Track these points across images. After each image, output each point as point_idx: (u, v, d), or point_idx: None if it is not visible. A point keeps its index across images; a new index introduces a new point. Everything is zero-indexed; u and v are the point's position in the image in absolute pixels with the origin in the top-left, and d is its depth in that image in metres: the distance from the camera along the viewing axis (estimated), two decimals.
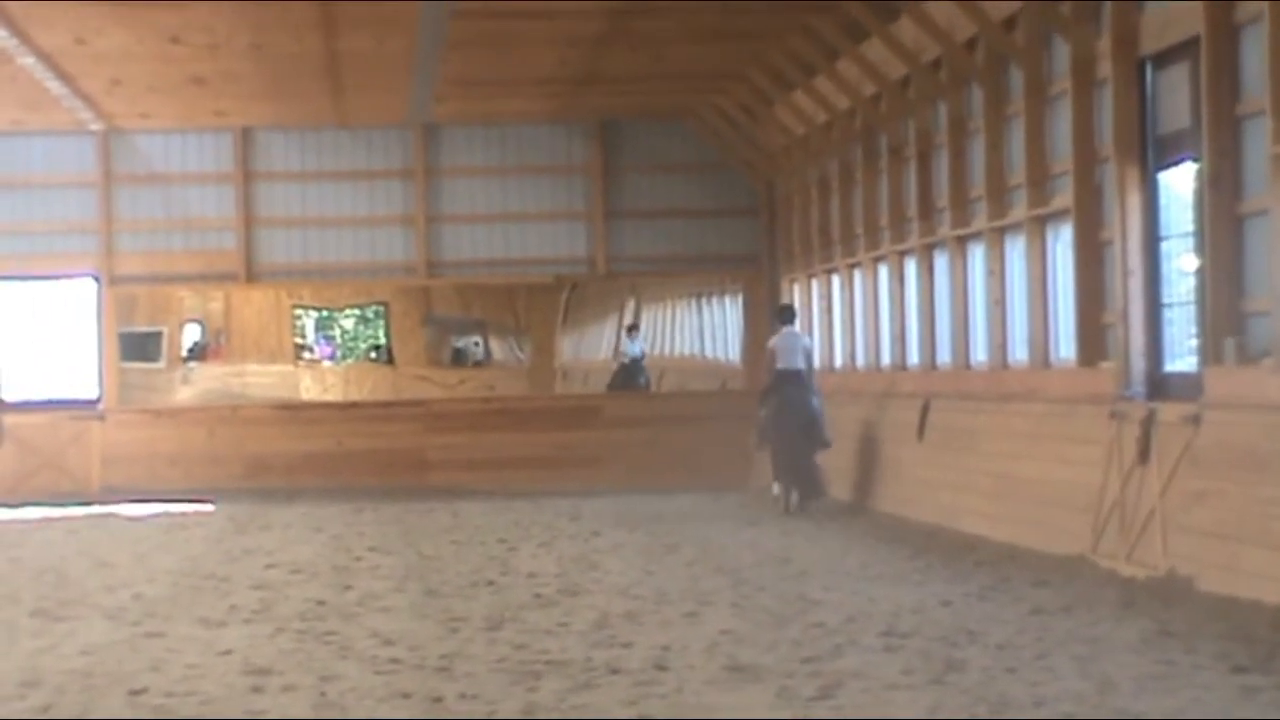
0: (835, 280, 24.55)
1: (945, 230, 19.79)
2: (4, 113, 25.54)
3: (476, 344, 46.99)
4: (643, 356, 33.85)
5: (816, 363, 24.67)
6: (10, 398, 27.20)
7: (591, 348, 45.21)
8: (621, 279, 31.58)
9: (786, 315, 22.79)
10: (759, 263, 27.77)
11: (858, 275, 23.45)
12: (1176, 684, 9.34)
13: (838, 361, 24.51)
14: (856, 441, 22.27)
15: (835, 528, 19.29)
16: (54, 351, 27.85)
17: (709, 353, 34.14)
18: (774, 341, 22.26)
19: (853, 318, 23.74)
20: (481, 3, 18.94)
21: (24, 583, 15.58)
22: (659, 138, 27.71)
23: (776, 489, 22.02)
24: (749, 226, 27.84)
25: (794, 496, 21.58)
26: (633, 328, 35.32)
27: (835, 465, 22.73)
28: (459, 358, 46.01)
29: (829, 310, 24.91)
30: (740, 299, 29.39)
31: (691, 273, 29.85)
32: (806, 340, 22.77)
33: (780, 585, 14.15)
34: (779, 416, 21.70)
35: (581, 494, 25.13)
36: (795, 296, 26.29)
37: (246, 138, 27.34)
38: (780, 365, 21.88)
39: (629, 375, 32.99)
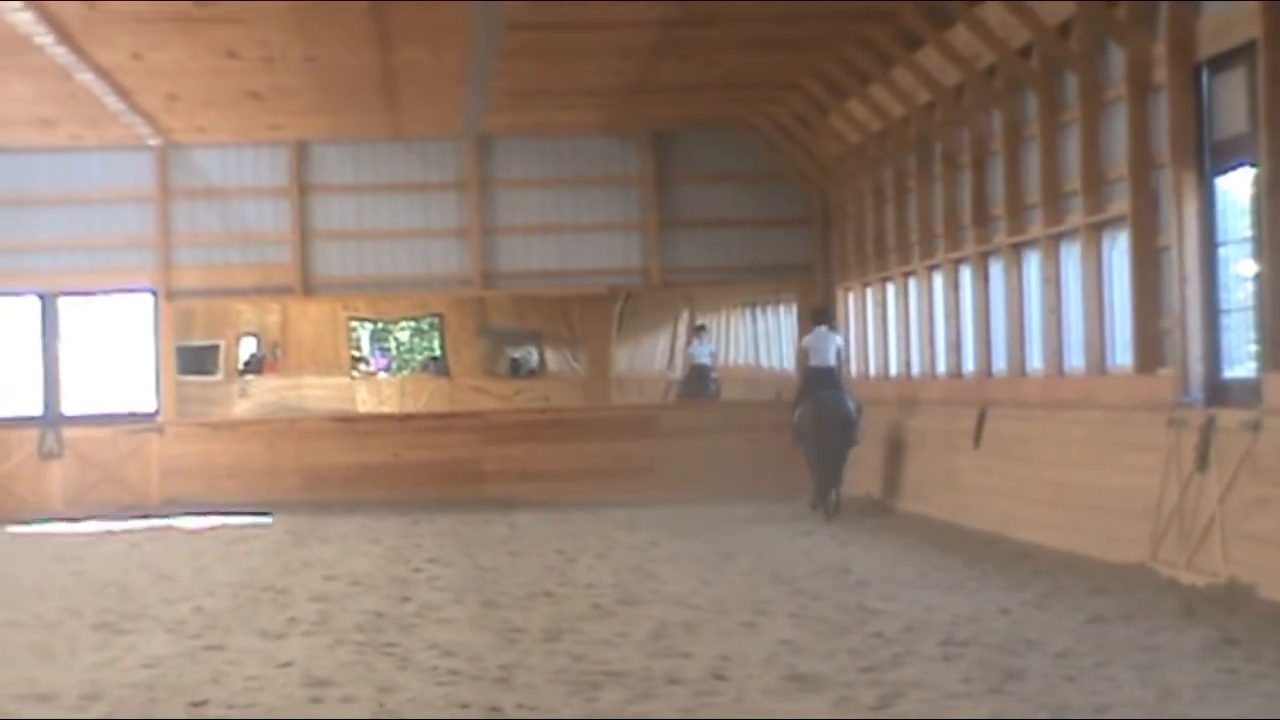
0: (890, 289, 24.50)
1: (1001, 238, 19.72)
2: (63, 129, 25.68)
3: (531, 354, 47.04)
4: (713, 362, 33.33)
5: (872, 369, 24.72)
6: (71, 411, 27.34)
7: (646, 358, 45.27)
8: (676, 289, 31.54)
9: (820, 314, 23.29)
10: (813, 272, 27.72)
11: (912, 284, 23.40)
12: (1238, 692, 9.28)
13: (893, 369, 24.45)
14: (912, 449, 22.23)
15: (891, 536, 19.23)
16: (113, 365, 27.96)
17: (763, 362, 34.11)
18: (807, 340, 22.90)
19: (907, 326, 23.68)
20: (535, 3, 18.91)
21: (86, 596, 15.65)
22: (712, 147, 27.69)
23: (814, 493, 22.40)
24: (803, 236, 27.80)
25: (834, 498, 21.85)
26: (700, 329, 34.86)
27: (893, 473, 22.70)
28: (516, 368, 46.07)
29: (883, 319, 24.85)
30: (794, 308, 29.32)
31: (745, 282, 29.83)
32: (839, 339, 23.13)
33: (838, 594, 14.11)
34: (814, 418, 22.01)
35: (638, 504, 25.10)
36: (849, 305, 26.25)
37: (301, 151, 27.42)
38: (813, 363, 22.42)
39: (698, 383, 32.44)
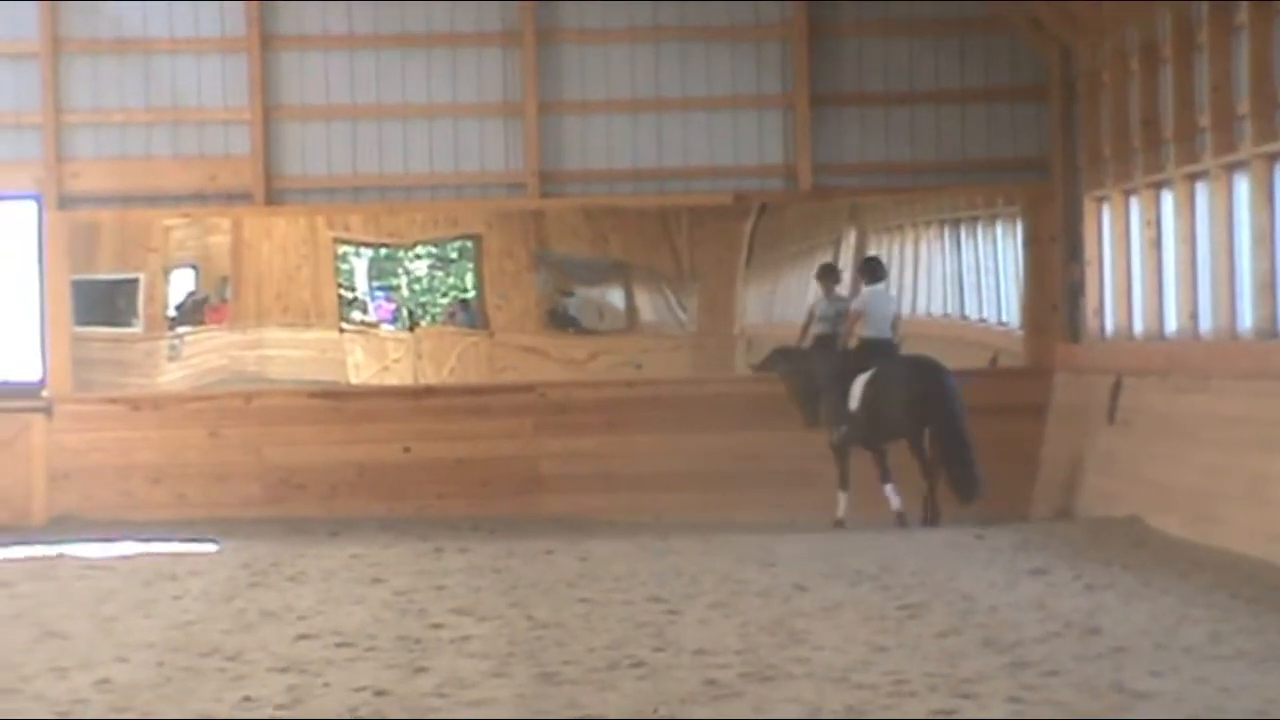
0: (1167, 198, 24.36)
1: None
2: None
3: (586, 301, 46.96)
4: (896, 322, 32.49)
5: (1138, 325, 24.74)
6: None
7: (793, 303, 45.13)
8: (836, 198, 31.49)
9: (874, 270, 25.96)
10: (1049, 172, 27.60)
11: (1201, 190, 23.26)
12: None
13: (1169, 325, 24.31)
14: (1198, 445, 22.10)
15: (1165, 576, 19.12)
16: None
17: (970, 312, 33.96)
18: (859, 303, 25.52)
19: (1193, 256, 23.52)
20: None
21: None
22: None
23: (843, 500, 25.46)
24: (1033, 117, 27.72)
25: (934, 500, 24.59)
26: (828, 269, 33.84)
27: (1161, 482, 22.59)
28: (561, 318, 45.99)
29: (1157, 244, 24.69)
30: (1019, 227, 29.19)
31: (944, 188, 29.70)
32: (894, 304, 25.76)
33: (1083, 669, 14.04)
34: (903, 392, 24.48)
35: (778, 528, 25.06)
36: (1104, 224, 26.11)
37: None
38: (869, 333, 24.97)
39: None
